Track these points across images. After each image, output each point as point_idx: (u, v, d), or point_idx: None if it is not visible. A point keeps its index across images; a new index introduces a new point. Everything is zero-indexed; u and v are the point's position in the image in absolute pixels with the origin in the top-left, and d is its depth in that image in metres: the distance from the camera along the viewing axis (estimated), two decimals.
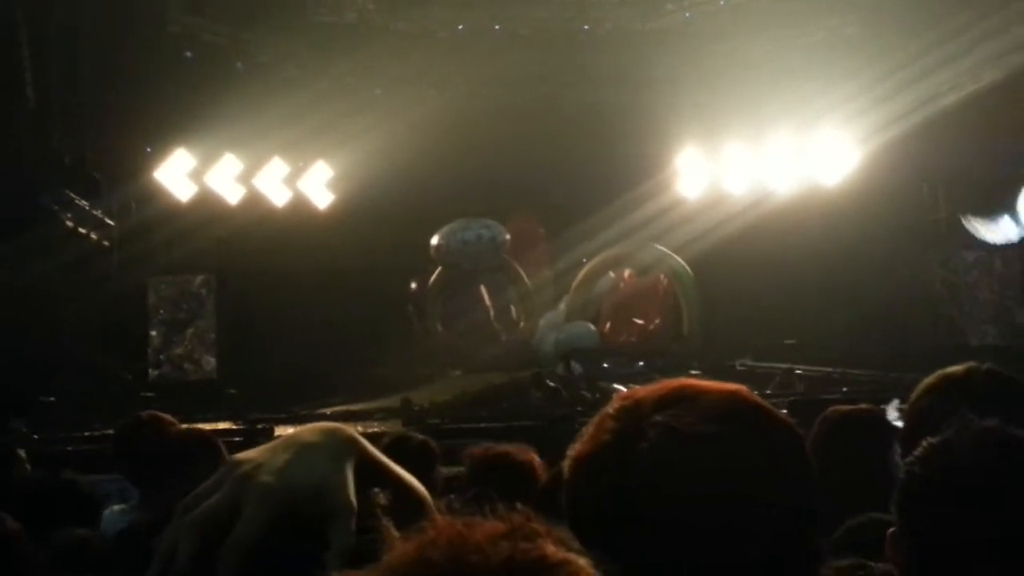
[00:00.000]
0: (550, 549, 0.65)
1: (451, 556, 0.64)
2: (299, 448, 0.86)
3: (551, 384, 10.40)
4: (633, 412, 0.93)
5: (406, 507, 0.95)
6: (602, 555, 0.67)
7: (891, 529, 1.18)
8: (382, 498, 0.93)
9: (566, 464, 0.98)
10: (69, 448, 7.12)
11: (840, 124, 13.22)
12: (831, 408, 2.60)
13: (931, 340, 12.52)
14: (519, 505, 0.69)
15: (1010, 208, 9.96)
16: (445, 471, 3.20)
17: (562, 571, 0.64)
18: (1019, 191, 9.73)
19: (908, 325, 12.89)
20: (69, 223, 11.88)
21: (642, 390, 0.97)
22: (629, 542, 0.87)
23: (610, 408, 0.97)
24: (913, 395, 1.93)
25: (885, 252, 12.70)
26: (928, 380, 1.92)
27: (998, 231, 10.53)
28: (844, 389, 9.80)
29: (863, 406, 2.71)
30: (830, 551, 1.53)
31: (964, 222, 10.79)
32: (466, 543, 0.64)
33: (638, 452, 0.90)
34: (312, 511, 0.83)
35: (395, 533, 0.91)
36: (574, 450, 0.97)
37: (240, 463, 0.86)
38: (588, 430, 0.97)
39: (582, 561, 0.65)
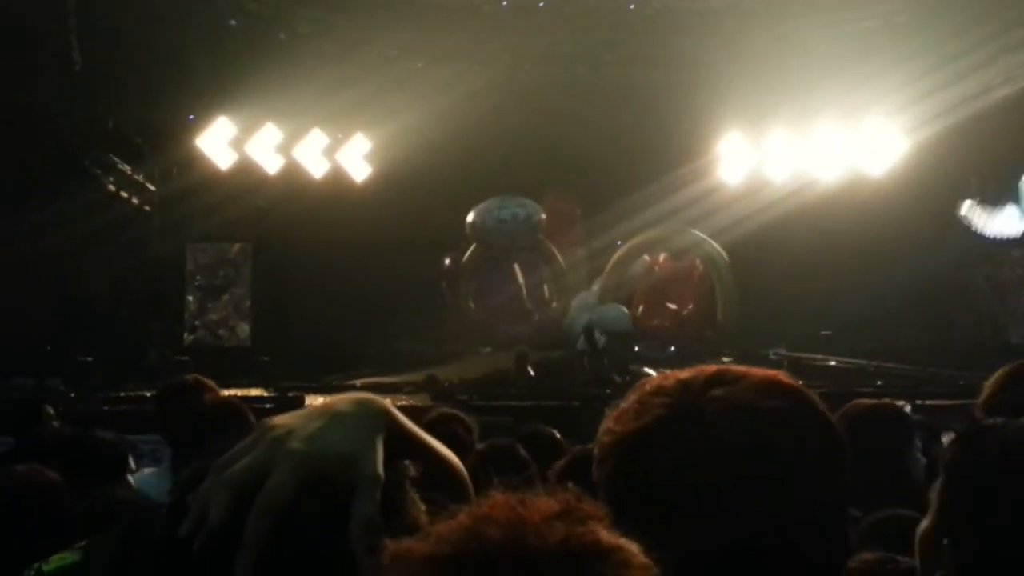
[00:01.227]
0: (604, 533, 0.64)
1: (508, 535, 0.63)
2: (332, 416, 0.87)
3: (531, 371, 10.42)
4: (684, 390, 0.93)
5: (440, 480, 0.95)
6: (643, 537, 0.66)
7: (922, 526, 1.15)
8: (411, 470, 0.93)
9: (606, 444, 0.96)
10: (104, 407, 7.26)
11: (887, 114, 12.99)
12: (853, 402, 2.57)
13: (971, 336, 12.33)
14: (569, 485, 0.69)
15: (1015, 199, 9.59)
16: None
17: (616, 556, 0.63)
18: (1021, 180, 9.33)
19: (948, 320, 12.70)
20: (111, 187, 12.05)
21: (679, 373, 0.97)
22: (684, 520, 0.86)
23: (646, 389, 0.96)
24: (990, 388, 1.89)
25: (928, 246, 12.49)
26: (1006, 371, 1.89)
27: (999, 222, 10.20)
28: (878, 383, 9.69)
29: (885, 401, 2.69)
30: (859, 544, 1.52)
31: (961, 208, 10.47)
32: (523, 522, 0.63)
33: (701, 425, 0.90)
34: (340, 480, 0.82)
35: (421, 505, 0.90)
36: (614, 430, 0.95)
37: (273, 427, 0.86)
38: (625, 411, 0.95)
39: (634, 546, 0.65)
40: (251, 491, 0.80)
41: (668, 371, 0.98)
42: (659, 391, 0.93)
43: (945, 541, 1.07)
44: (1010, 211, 9.77)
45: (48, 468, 2.29)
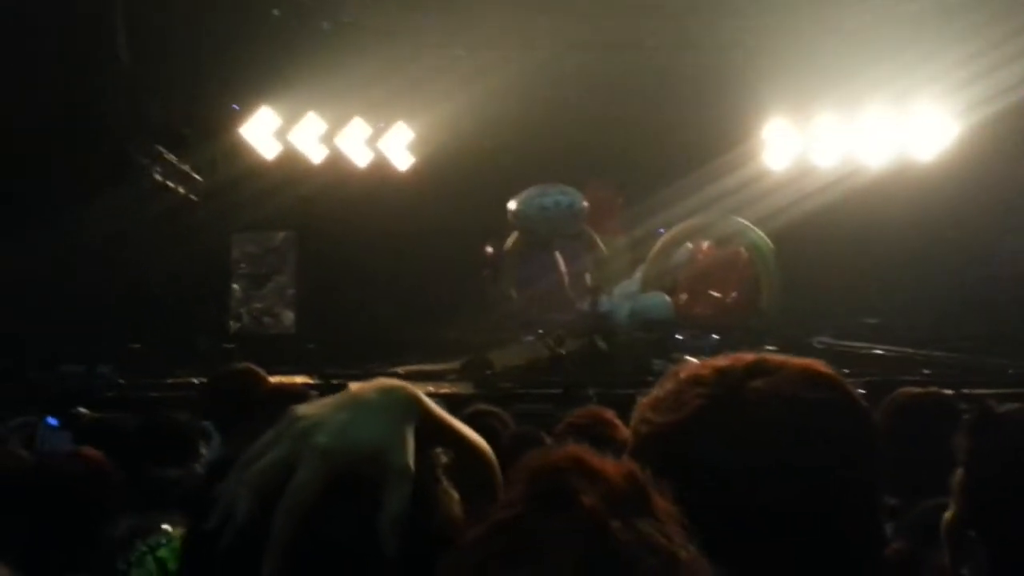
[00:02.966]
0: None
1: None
2: (358, 407, 0.85)
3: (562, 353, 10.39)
4: (723, 380, 0.93)
5: (472, 468, 0.93)
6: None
7: (946, 516, 1.14)
8: (443, 459, 0.92)
9: (644, 435, 0.95)
10: (153, 394, 7.39)
11: (937, 97, 12.68)
12: (900, 390, 2.53)
13: (1021, 325, 12.01)
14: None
15: None
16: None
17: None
18: None
19: (999, 310, 12.38)
20: (158, 177, 12.25)
21: (715, 361, 0.96)
22: (726, 507, 0.85)
23: (683, 378, 0.95)
24: None
25: (979, 233, 12.20)
26: None
27: None
28: (925, 371, 9.50)
29: (932, 389, 2.64)
30: (899, 534, 1.51)
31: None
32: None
33: (743, 414, 0.89)
34: (369, 472, 0.81)
35: (455, 496, 0.89)
36: (653, 420, 0.94)
37: (298, 419, 0.84)
38: (660, 400, 0.94)
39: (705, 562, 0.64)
40: (277, 487, 0.79)
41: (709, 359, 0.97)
42: (697, 380, 0.93)
43: (972, 533, 1.06)
44: None
45: (110, 450, 2.34)
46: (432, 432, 0.88)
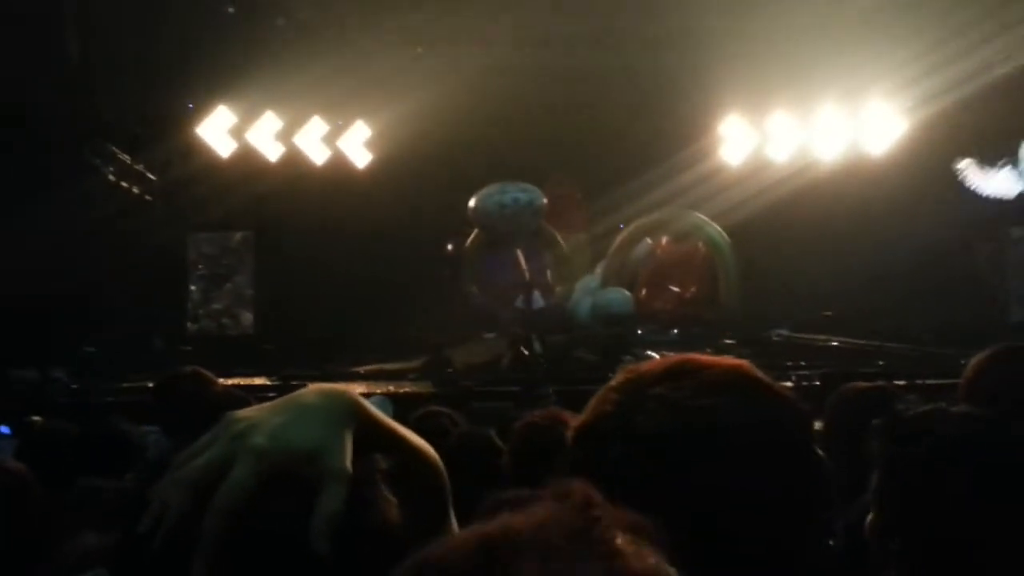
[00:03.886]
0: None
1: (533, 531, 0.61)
2: (297, 410, 0.85)
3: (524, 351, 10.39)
4: (635, 384, 0.93)
5: (416, 474, 0.93)
6: None
7: (869, 519, 1.14)
8: (383, 464, 0.92)
9: (568, 435, 0.97)
10: (109, 398, 7.28)
11: (887, 93, 12.91)
12: (846, 384, 2.58)
13: (973, 316, 12.28)
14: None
15: (1012, 158, 9.41)
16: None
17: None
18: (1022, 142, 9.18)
19: (951, 300, 12.64)
20: (111, 177, 12.05)
21: (647, 364, 0.97)
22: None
23: (614, 381, 0.97)
24: (971, 371, 1.88)
25: (930, 225, 12.44)
26: (987, 355, 1.87)
27: (996, 182, 10.05)
28: (880, 363, 9.68)
29: (878, 383, 2.70)
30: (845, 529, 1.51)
31: (958, 167, 10.33)
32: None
33: (636, 424, 0.89)
34: (305, 475, 0.81)
35: (392, 499, 0.89)
36: (576, 420, 0.96)
37: (235, 421, 0.84)
38: (592, 402, 0.96)
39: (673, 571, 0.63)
40: (211, 487, 0.78)
41: (671, 354, 0.98)
42: (614, 387, 0.94)
43: (896, 542, 1.06)
44: (1007, 173, 9.63)
45: (43, 463, 2.30)
46: (372, 437, 0.88)
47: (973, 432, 1.08)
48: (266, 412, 0.85)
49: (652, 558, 0.62)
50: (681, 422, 0.88)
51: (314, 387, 0.91)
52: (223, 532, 0.77)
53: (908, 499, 1.08)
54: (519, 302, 11.72)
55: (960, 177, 10.38)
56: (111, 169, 12.07)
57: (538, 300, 11.60)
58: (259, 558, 0.78)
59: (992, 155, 10.77)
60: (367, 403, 0.90)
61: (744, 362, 0.95)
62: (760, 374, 0.94)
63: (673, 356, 0.97)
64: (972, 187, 10.45)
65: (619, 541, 0.62)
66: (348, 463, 0.82)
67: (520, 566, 0.58)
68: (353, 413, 0.86)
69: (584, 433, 0.91)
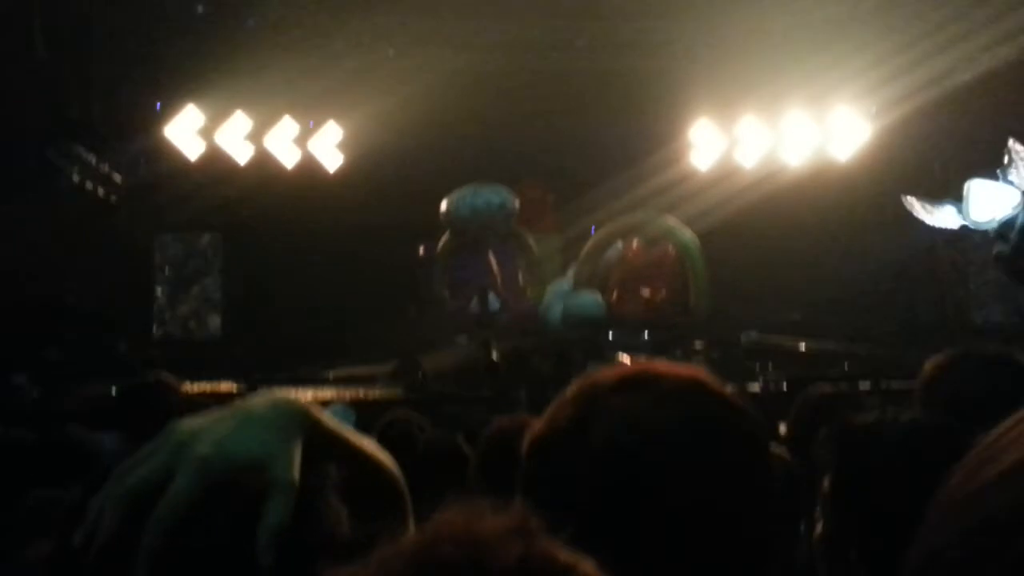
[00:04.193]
0: (561, 551, 0.62)
1: (463, 554, 0.60)
2: (244, 418, 0.82)
3: (495, 359, 10.36)
4: (590, 396, 0.92)
5: (371, 485, 0.92)
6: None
7: (817, 531, 1.14)
8: (335, 474, 0.90)
9: (526, 443, 0.96)
10: (70, 405, 7.16)
11: (853, 99, 13.07)
12: (811, 388, 2.61)
13: (937, 318, 12.47)
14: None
15: (955, 195, 9.73)
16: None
17: (574, 574, 0.61)
18: (970, 178, 9.50)
19: (915, 303, 12.84)
20: (76, 177, 11.88)
21: (602, 374, 0.96)
22: (579, 529, 0.85)
23: (569, 391, 0.96)
24: (928, 374, 1.88)
25: (895, 229, 12.61)
26: (943, 359, 1.88)
27: (938, 216, 10.34)
28: (846, 365, 9.79)
29: (841, 388, 2.73)
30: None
31: (904, 201, 10.62)
32: (479, 540, 0.60)
33: (590, 437, 0.88)
34: (250, 485, 0.78)
35: (342, 513, 0.88)
36: (531, 431, 0.95)
37: (179, 430, 0.81)
38: (547, 412, 0.95)
39: (589, 565, 0.63)
40: (151, 497, 0.76)
41: (642, 358, 0.97)
42: (573, 396, 0.93)
43: (853, 554, 1.06)
44: (949, 209, 9.94)
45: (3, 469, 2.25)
46: (324, 446, 0.86)
47: (922, 440, 1.09)
48: (212, 420, 0.82)
49: (574, 556, 0.62)
50: (638, 435, 0.87)
51: (264, 395, 0.89)
52: (162, 544, 0.74)
53: (857, 509, 1.08)
54: (473, 306, 11.62)
55: (908, 209, 10.68)
56: (76, 170, 11.90)
57: (494, 303, 11.53)
58: (200, 572, 0.76)
59: (937, 192, 11.06)
60: (321, 412, 0.89)
61: (701, 371, 0.94)
62: (717, 384, 0.93)
63: (629, 366, 0.96)
64: (917, 217, 10.77)
65: (547, 542, 0.62)
66: (295, 473, 0.80)
67: (443, 550, 0.59)
68: (303, 422, 0.84)
69: (538, 445, 0.91)
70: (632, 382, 0.91)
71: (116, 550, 0.74)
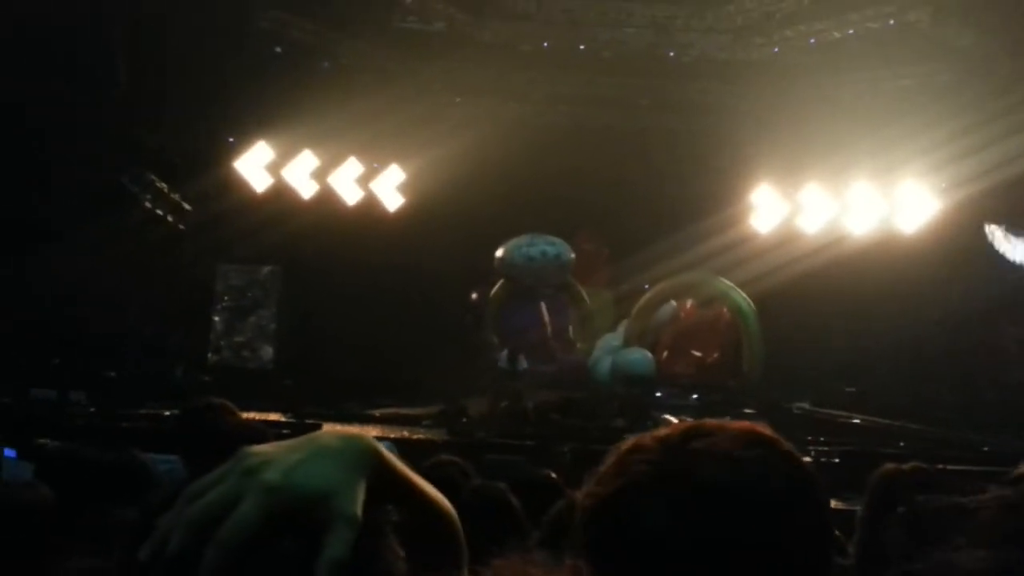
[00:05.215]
0: None
1: None
2: (313, 450, 0.83)
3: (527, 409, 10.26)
4: (664, 446, 0.92)
5: (429, 528, 0.92)
6: None
7: None
8: (395, 515, 0.90)
9: (588, 507, 0.95)
10: (124, 424, 7.29)
11: (922, 172, 12.89)
12: (886, 465, 2.54)
13: (998, 400, 12.07)
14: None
15: None
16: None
17: None
18: None
19: (975, 383, 12.46)
20: (148, 204, 12.24)
21: (655, 432, 0.95)
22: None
23: (623, 449, 0.95)
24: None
25: (958, 306, 12.32)
26: None
27: (1021, 249, 9.94)
28: (901, 444, 9.51)
29: (916, 465, 2.65)
30: None
31: (986, 229, 10.26)
32: None
33: (687, 477, 0.89)
34: (314, 516, 0.79)
35: (400, 554, 0.88)
36: (597, 492, 0.94)
37: (249, 456, 0.82)
38: (605, 473, 0.94)
39: None
40: (216, 521, 0.77)
41: (689, 419, 0.96)
42: (637, 449, 0.92)
43: None
44: None
45: (70, 484, 2.30)
46: (387, 487, 0.87)
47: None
48: (282, 450, 0.83)
49: None
50: (737, 471, 0.87)
51: (333, 429, 0.90)
52: (222, 565, 0.75)
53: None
54: (502, 362, 11.44)
55: (989, 240, 10.32)
56: (148, 197, 12.27)
57: (522, 363, 11.38)
58: None
59: (1020, 222, 10.71)
60: (386, 451, 0.90)
61: (758, 424, 0.94)
62: (775, 435, 0.93)
63: (685, 423, 0.96)
64: (1000, 251, 10.38)
65: None
66: (359, 509, 0.81)
67: None
68: (370, 460, 0.84)
69: (619, 501, 0.89)
70: (698, 432, 0.90)
71: (180, 569, 0.75)
